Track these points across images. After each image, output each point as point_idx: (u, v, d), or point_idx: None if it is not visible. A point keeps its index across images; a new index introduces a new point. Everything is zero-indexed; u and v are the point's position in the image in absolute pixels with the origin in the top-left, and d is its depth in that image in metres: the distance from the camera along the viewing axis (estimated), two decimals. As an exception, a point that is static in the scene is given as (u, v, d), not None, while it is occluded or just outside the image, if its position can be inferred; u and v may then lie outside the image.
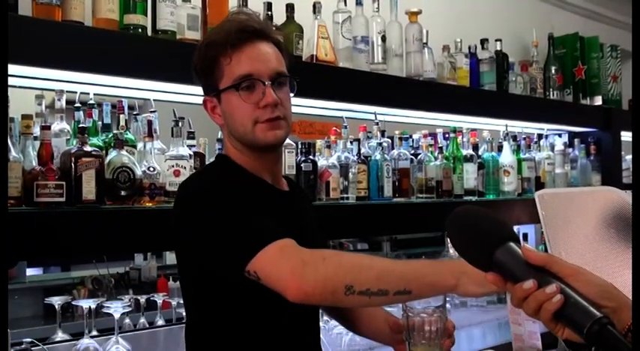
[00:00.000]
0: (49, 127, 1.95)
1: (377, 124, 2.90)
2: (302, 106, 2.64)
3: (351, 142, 2.76)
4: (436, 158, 3.05)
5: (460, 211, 1.10)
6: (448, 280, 1.32)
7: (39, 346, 2.17)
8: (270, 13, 2.53)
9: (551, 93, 3.90)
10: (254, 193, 1.61)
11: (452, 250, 3.78)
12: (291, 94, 1.66)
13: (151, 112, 2.24)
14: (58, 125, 2.07)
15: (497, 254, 1.00)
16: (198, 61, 1.64)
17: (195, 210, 1.53)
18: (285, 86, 1.63)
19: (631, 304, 0.97)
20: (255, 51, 1.59)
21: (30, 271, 4.01)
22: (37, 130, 1.98)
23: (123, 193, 2.02)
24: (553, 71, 3.93)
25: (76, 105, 2.15)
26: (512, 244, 1.00)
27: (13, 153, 1.84)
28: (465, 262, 1.12)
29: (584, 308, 0.94)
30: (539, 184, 3.58)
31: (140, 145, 2.20)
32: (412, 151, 3.00)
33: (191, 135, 2.34)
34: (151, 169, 2.12)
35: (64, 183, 1.88)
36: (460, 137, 3.25)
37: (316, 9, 2.72)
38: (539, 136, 3.80)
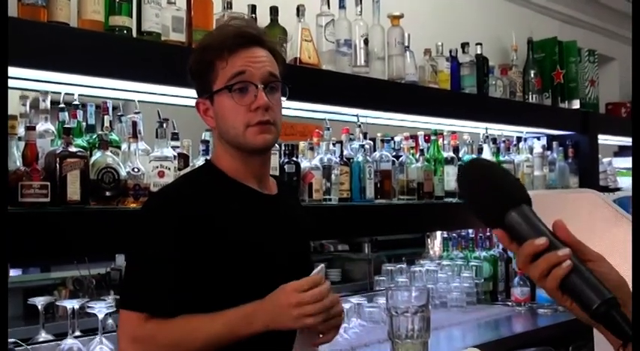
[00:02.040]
0: (34, 128, 1.96)
1: (359, 126, 2.93)
2: (284, 108, 2.65)
3: (334, 144, 2.79)
4: (417, 160, 3.09)
5: (479, 162, 1.11)
6: (258, 328, 1.48)
7: (22, 346, 2.16)
8: (254, 15, 2.55)
9: (530, 96, 3.96)
10: (235, 200, 1.65)
11: (431, 251, 3.82)
12: (283, 99, 1.69)
13: (136, 113, 2.25)
14: (43, 126, 2.07)
15: (511, 213, 1.00)
16: (193, 64, 1.67)
17: (138, 234, 1.63)
18: (277, 92, 1.66)
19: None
20: (250, 54, 1.62)
21: (10, 272, 3.98)
22: (21, 131, 1.98)
23: (107, 193, 2.03)
24: (532, 75, 3.98)
25: (61, 106, 2.15)
26: (528, 207, 1.00)
27: (-2, 153, 1.84)
28: (268, 308, 1.44)
29: (596, 285, 0.95)
30: (518, 187, 3.62)
31: (124, 146, 2.21)
32: (394, 153, 3.03)
33: (175, 136, 2.35)
34: (136, 169, 2.13)
35: (48, 183, 1.89)
36: (441, 140, 3.29)
37: (300, 12, 2.74)
38: (519, 139, 3.86)
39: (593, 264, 1.00)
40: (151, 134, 2.25)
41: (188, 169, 2.27)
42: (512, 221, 0.99)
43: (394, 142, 3.11)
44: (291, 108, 2.72)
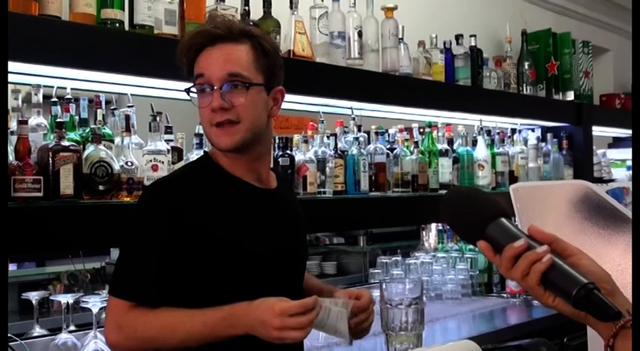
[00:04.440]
0: (26, 122, 1.94)
1: (353, 118, 2.92)
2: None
3: (328, 137, 2.78)
4: (412, 153, 3.08)
5: (455, 190, 1.19)
6: (238, 332, 1.50)
7: (17, 341, 2.16)
8: (247, 8, 2.54)
9: (525, 88, 3.96)
10: (231, 195, 1.65)
11: (426, 244, 3.82)
12: (271, 94, 1.68)
13: (129, 106, 2.24)
14: (35, 120, 2.06)
15: (489, 227, 1.06)
16: (181, 65, 1.69)
17: (131, 225, 1.65)
18: (244, 89, 1.62)
19: (623, 291, 1.01)
20: (213, 53, 1.62)
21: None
22: (13, 125, 1.97)
23: (101, 187, 2.02)
24: (526, 67, 3.98)
25: (53, 99, 2.14)
26: (503, 220, 1.07)
27: (-10, 148, 1.83)
28: (251, 317, 1.45)
29: (571, 275, 0.99)
30: (513, 178, 3.63)
31: (118, 140, 2.20)
32: (388, 146, 3.03)
33: (169, 130, 2.34)
34: (129, 163, 2.12)
35: (41, 178, 1.88)
36: (435, 132, 3.29)
37: (293, 4, 2.73)
38: (513, 131, 3.85)
39: (574, 258, 1.03)
40: (145, 128, 2.24)
41: (182, 163, 2.27)
42: (490, 234, 1.06)
43: (388, 135, 3.10)
44: (285, 101, 2.70)
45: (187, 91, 1.64)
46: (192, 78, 1.65)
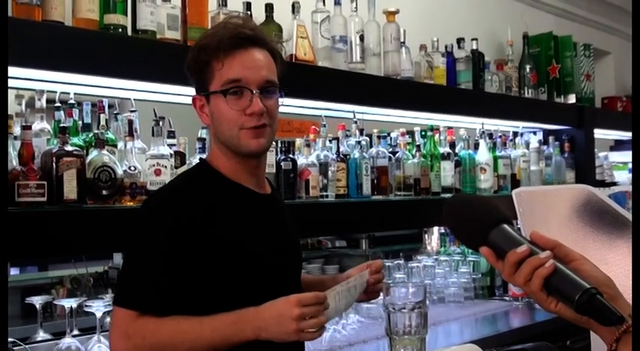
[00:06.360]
0: (30, 127, 1.95)
1: (355, 122, 2.93)
2: (281, 105, 2.65)
3: (330, 141, 2.79)
4: (414, 156, 3.09)
5: (457, 197, 1.28)
6: (248, 335, 1.49)
7: (21, 345, 2.16)
8: (249, 12, 2.55)
9: (526, 91, 3.96)
10: (232, 201, 1.65)
11: (429, 247, 3.82)
12: (281, 100, 1.69)
13: (132, 111, 2.25)
14: (39, 125, 2.07)
15: (491, 234, 1.07)
16: (190, 62, 1.67)
17: (134, 235, 1.64)
18: (274, 94, 1.66)
19: (626, 296, 1.02)
20: (246, 58, 1.62)
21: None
22: (17, 130, 1.98)
23: (104, 192, 2.03)
24: (528, 70, 3.98)
25: (56, 105, 2.15)
26: (505, 226, 1.08)
27: (-6, 153, 1.84)
28: (265, 316, 1.44)
29: (574, 280, 1.00)
30: (515, 182, 3.63)
31: (121, 145, 2.21)
32: (390, 150, 3.03)
33: (171, 134, 2.35)
34: (132, 168, 2.13)
35: (45, 183, 1.89)
36: (437, 135, 3.30)
37: (295, 9, 2.74)
38: (515, 134, 3.86)
39: (576, 263, 1.04)
40: (147, 132, 2.25)
41: (185, 167, 2.27)
42: (493, 240, 1.07)
43: (390, 138, 3.11)
44: (288, 105, 2.71)
45: (224, 92, 1.61)
46: (224, 81, 1.61)
